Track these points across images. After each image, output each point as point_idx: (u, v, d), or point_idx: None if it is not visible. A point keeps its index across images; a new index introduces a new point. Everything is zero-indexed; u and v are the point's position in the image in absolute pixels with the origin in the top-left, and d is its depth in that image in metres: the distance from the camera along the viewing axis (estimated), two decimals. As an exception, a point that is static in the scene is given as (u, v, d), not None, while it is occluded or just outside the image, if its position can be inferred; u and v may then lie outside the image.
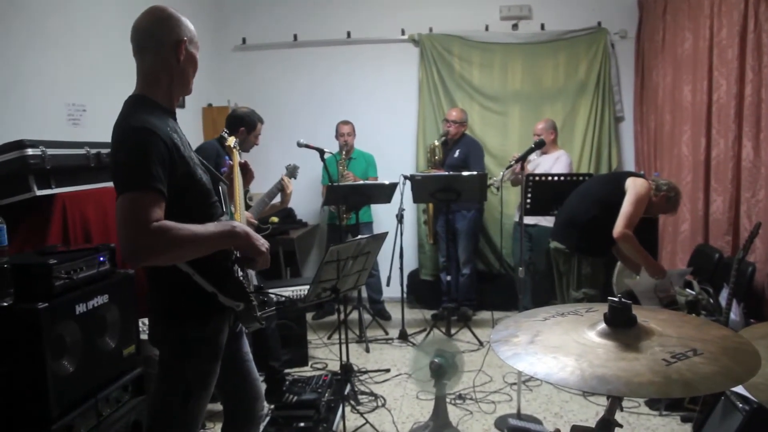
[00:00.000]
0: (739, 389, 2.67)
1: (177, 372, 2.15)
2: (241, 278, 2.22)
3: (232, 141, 3.46)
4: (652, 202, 4.09)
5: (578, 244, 4.32)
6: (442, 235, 6.07)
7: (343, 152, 6.15)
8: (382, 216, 6.44)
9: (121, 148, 1.96)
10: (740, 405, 2.78)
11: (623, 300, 1.48)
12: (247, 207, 3.99)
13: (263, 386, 3.65)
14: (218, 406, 3.67)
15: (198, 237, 1.94)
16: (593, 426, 1.49)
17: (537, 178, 5.06)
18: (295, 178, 4.37)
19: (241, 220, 3.00)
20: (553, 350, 1.50)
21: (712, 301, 4.00)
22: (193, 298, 2.11)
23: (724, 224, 4.46)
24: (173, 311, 2.14)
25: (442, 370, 3.57)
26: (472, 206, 6.05)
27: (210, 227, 2.00)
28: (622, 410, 3.93)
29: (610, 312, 1.51)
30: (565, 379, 1.39)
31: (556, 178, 5.07)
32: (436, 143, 6.26)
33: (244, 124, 4.28)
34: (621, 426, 1.47)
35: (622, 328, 1.49)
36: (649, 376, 1.35)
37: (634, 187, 4.04)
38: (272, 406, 3.91)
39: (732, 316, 3.66)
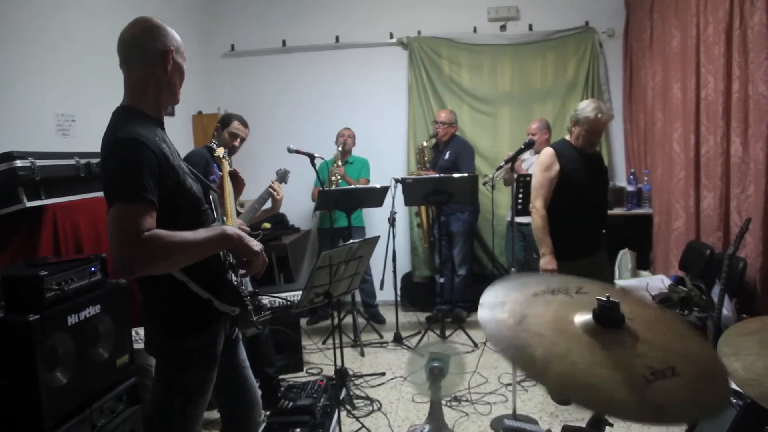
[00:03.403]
0: (732, 386, 2.68)
1: (174, 381, 2.15)
2: (236, 283, 2.22)
3: (221, 151, 3.46)
4: (577, 136, 4.00)
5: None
6: (437, 236, 6.08)
7: (340, 147, 6.16)
8: (374, 219, 6.44)
9: (110, 159, 1.95)
10: (734, 401, 2.79)
11: (611, 299, 1.47)
12: (238, 214, 3.98)
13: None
14: (215, 414, 3.69)
15: (190, 243, 1.94)
16: (584, 426, 1.49)
17: (527, 178, 5.06)
18: (285, 183, 4.36)
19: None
20: (539, 339, 1.47)
21: (704, 297, 4.01)
22: (189, 307, 2.11)
23: (715, 220, 4.48)
24: (170, 321, 2.14)
25: (441, 374, 3.57)
26: (467, 208, 6.06)
27: (201, 233, 2.00)
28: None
29: (599, 310, 1.50)
30: (546, 380, 1.39)
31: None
32: (425, 144, 6.30)
33: (219, 122, 4.31)
34: (611, 425, 1.47)
35: (609, 328, 1.48)
36: (627, 395, 1.32)
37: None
38: (267, 413, 3.90)
39: (724, 311, 3.67)
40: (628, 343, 1.47)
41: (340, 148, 6.13)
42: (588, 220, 4.05)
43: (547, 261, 3.96)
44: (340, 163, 6.08)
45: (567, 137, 4.10)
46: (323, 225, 6.28)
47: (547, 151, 4.04)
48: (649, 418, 1.29)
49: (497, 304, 1.63)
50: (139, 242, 1.81)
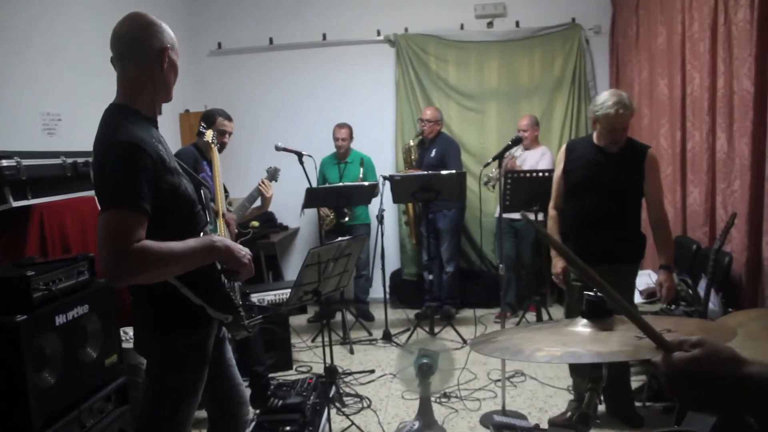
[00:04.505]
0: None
1: (166, 381, 2.14)
2: (229, 290, 2.20)
3: (210, 135, 3.42)
4: (599, 134, 3.56)
5: None
6: (425, 234, 6.10)
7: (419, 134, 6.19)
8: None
9: (107, 163, 1.90)
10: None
11: (598, 294, 1.50)
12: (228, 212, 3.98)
13: (248, 391, 3.63)
14: (202, 413, 3.68)
15: (178, 255, 1.92)
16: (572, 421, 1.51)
17: (515, 174, 5.09)
18: (276, 181, 4.36)
19: (221, 229, 3.00)
20: (533, 341, 1.52)
21: (691, 291, 4.04)
22: (181, 311, 2.09)
23: (701, 215, 4.51)
24: (161, 324, 2.12)
25: (430, 370, 3.58)
26: (453, 205, 6.07)
27: (190, 243, 1.97)
28: (602, 403, 3.96)
29: (586, 305, 1.53)
30: (543, 357, 1.45)
31: (534, 174, 5.10)
32: (412, 143, 6.31)
33: (203, 119, 4.28)
34: (598, 420, 1.49)
35: (599, 318, 1.52)
36: (621, 348, 1.37)
37: None
38: (257, 411, 3.90)
39: (711, 305, 3.70)
40: (620, 324, 1.51)
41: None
42: (585, 225, 3.59)
43: (552, 265, 3.79)
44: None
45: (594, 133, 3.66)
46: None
47: (562, 148, 3.84)
48: (647, 354, 1.31)
49: (486, 338, 1.68)
50: (128, 253, 1.79)
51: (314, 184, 5.13)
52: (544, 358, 1.46)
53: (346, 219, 5.73)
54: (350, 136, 6.23)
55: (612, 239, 3.55)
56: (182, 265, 1.96)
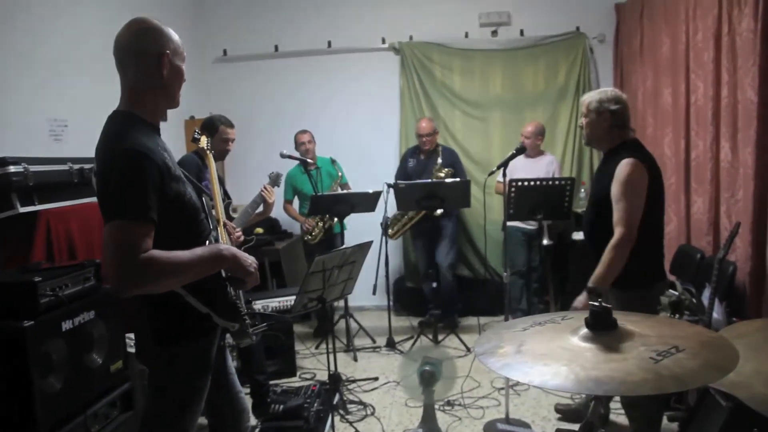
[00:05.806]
0: (721, 388, 2.70)
1: (171, 389, 2.14)
2: (234, 298, 2.20)
3: (204, 142, 3.42)
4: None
5: None
6: (420, 243, 6.13)
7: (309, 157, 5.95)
8: (366, 224, 6.40)
9: (112, 172, 1.87)
10: (724, 403, 2.81)
11: (604, 304, 1.50)
12: (231, 219, 3.98)
13: (249, 400, 3.63)
14: (203, 420, 3.69)
15: (186, 265, 1.91)
16: (577, 429, 1.51)
17: (519, 183, 5.08)
18: (278, 186, 4.36)
19: (223, 237, 3.00)
20: (542, 358, 1.52)
21: (695, 301, 4.04)
22: (187, 320, 2.09)
23: (705, 224, 4.51)
24: (166, 332, 2.11)
25: (433, 378, 3.58)
26: (452, 212, 6.08)
27: (197, 252, 1.96)
28: (605, 411, 3.94)
29: (591, 317, 1.53)
30: (561, 385, 1.42)
31: (538, 182, 5.09)
32: (442, 174, 6.01)
33: (203, 126, 4.24)
34: (603, 429, 1.50)
35: (604, 331, 1.52)
36: (642, 374, 1.38)
37: None
38: (260, 420, 3.90)
39: (714, 315, 3.69)
40: (627, 340, 1.52)
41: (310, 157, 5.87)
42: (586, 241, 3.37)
43: None
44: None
45: None
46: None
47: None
48: (671, 387, 1.35)
49: (492, 345, 1.68)
50: (136, 264, 1.78)
51: (320, 192, 5.12)
52: (568, 386, 1.45)
53: (334, 221, 5.70)
54: (314, 140, 6.08)
55: (595, 258, 3.15)
56: (190, 275, 1.95)
